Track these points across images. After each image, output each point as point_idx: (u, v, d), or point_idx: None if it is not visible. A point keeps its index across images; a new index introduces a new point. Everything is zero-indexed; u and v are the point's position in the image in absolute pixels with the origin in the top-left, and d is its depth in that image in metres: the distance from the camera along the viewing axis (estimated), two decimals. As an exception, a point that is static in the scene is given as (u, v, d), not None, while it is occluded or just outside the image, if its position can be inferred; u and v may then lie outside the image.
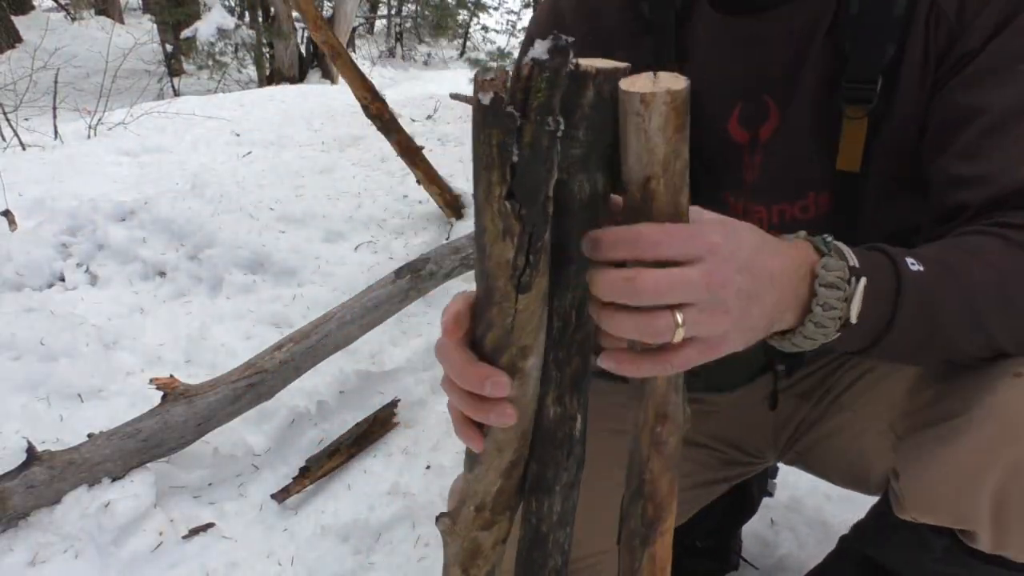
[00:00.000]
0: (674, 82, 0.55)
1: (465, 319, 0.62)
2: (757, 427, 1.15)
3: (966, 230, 0.78)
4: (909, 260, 0.70)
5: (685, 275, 0.56)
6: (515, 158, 0.53)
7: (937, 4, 0.83)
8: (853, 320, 0.67)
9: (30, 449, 1.75)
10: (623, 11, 0.97)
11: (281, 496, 1.87)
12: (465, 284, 2.67)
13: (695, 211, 0.60)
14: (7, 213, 3.34)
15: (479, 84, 0.52)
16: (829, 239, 0.69)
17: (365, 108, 3.21)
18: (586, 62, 0.54)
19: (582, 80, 0.53)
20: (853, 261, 0.68)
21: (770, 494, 1.54)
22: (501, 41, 14.95)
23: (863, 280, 0.67)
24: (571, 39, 0.52)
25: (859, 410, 1.04)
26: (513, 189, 0.54)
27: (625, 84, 0.54)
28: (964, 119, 0.82)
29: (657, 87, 0.54)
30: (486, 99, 0.51)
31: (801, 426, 1.11)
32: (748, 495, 1.48)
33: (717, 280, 0.57)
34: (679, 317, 0.56)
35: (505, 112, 0.51)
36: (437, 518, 0.74)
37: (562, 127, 0.53)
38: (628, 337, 0.58)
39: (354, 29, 11.48)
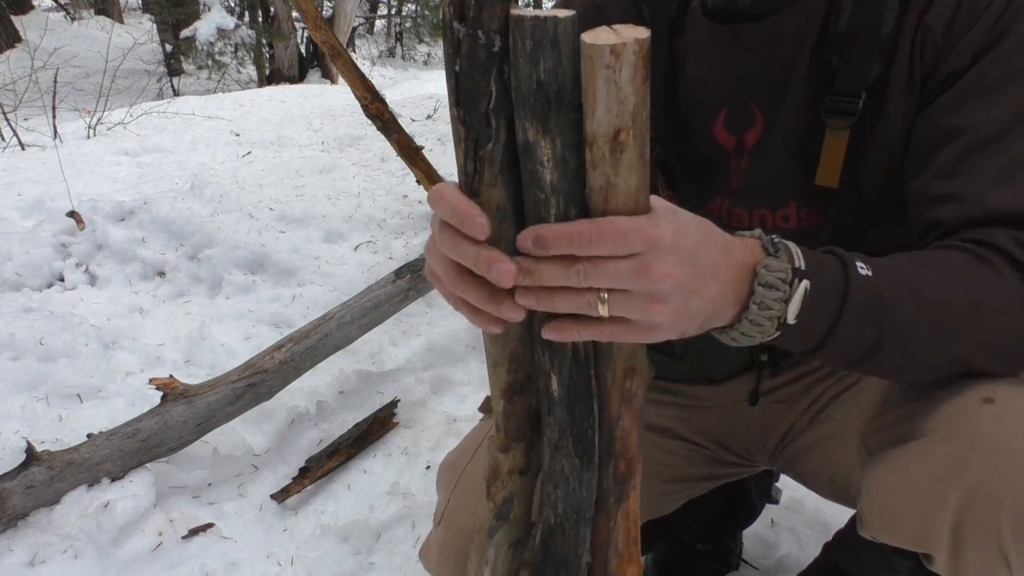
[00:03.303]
0: (637, 32, 0.55)
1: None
2: (743, 427, 1.15)
3: (932, 246, 0.78)
4: (859, 264, 0.71)
5: (615, 266, 0.60)
6: (457, 68, 0.58)
7: (924, 23, 0.83)
8: (790, 320, 0.69)
9: (29, 449, 1.75)
10: (627, 12, 0.99)
11: (281, 496, 1.87)
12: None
13: (652, 200, 0.62)
14: (73, 214, 3.38)
15: (444, 2, 0.57)
16: (777, 239, 0.70)
17: (365, 108, 3.21)
18: (524, 11, 0.55)
19: (514, 22, 0.55)
20: (799, 263, 0.69)
21: (775, 501, 1.54)
22: (501, 41, 14.95)
23: (805, 282, 0.68)
24: None
25: (841, 421, 1.05)
26: (459, 97, 0.59)
27: (588, 38, 0.55)
28: (944, 139, 0.82)
29: (623, 38, 0.54)
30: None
31: (789, 433, 1.12)
32: (747, 499, 1.48)
33: (652, 272, 0.60)
34: (604, 295, 0.61)
35: (448, 25, 0.57)
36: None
37: (498, 44, 0.56)
38: (559, 311, 0.63)
39: (354, 29, 11.48)
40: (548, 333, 0.64)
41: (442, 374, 2.35)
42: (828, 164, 0.89)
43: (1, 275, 2.98)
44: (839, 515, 1.65)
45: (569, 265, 0.60)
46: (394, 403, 2.16)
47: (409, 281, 2.46)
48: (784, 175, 0.94)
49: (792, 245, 0.71)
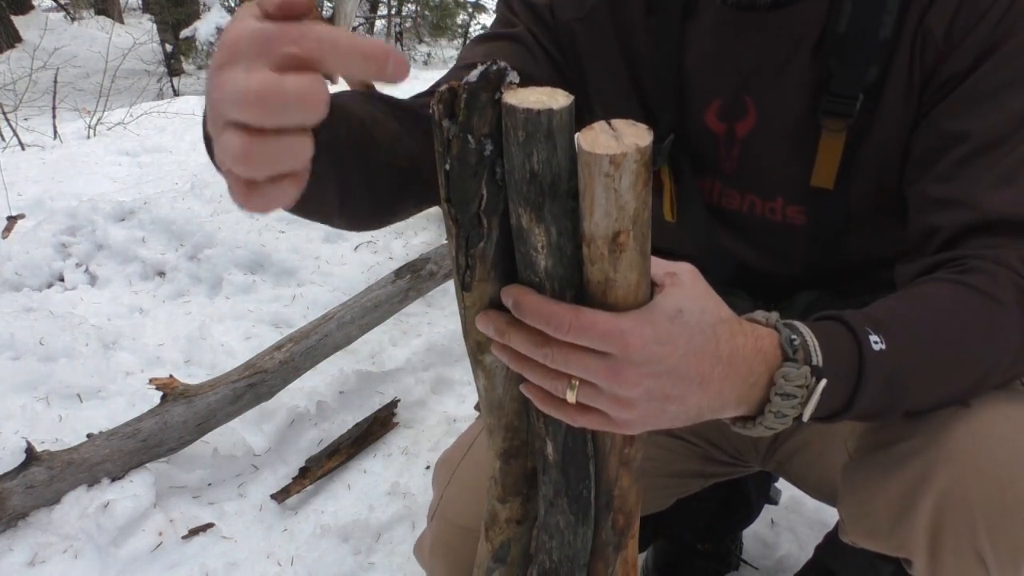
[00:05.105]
0: (638, 135, 0.52)
1: None
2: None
3: (937, 277, 0.77)
4: (873, 338, 0.69)
5: (586, 361, 0.59)
6: (447, 167, 0.55)
7: (925, 25, 0.83)
8: (805, 419, 0.68)
9: (29, 449, 1.75)
10: None
11: (281, 496, 1.87)
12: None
13: (676, 285, 0.61)
14: (12, 219, 3.38)
15: (437, 94, 0.53)
16: (795, 337, 0.67)
17: (365, 108, 3.21)
18: (517, 98, 0.52)
19: (506, 111, 0.53)
20: (816, 359, 0.67)
21: (774, 501, 1.53)
22: (501, 41, 14.97)
23: (823, 382, 0.67)
24: (506, 67, 0.53)
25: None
26: (450, 195, 0.57)
27: (586, 142, 0.52)
28: (945, 144, 0.82)
29: (623, 144, 0.51)
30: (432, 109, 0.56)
31: (780, 435, 1.11)
32: (745, 498, 1.47)
33: (621, 379, 0.59)
34: (574, 382, 0.61)
35: (438, 123, 0.54)
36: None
37: (489, 149, 0.54)
38: (531, 380, 0.63)
39: (354, 29, 11.49)
40: (523, 389, 0.64)
41: (442, 374, 2.35)
42: (824, 166, 0.89)
43: (1, 275, 2.98)
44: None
45: (541, 343, 0.60)
46: (394, 403, 2.16)
47: (409, 281, 2.47)
48: (775, 170, 0.94)
49: (807, 334, 0.68)
